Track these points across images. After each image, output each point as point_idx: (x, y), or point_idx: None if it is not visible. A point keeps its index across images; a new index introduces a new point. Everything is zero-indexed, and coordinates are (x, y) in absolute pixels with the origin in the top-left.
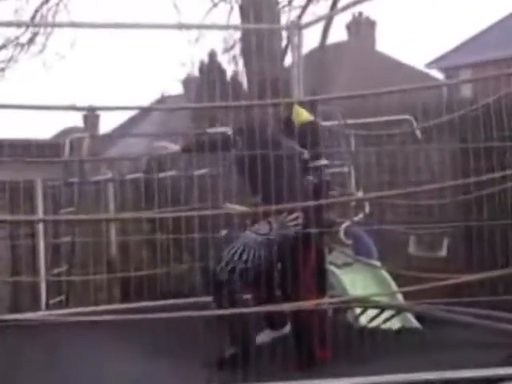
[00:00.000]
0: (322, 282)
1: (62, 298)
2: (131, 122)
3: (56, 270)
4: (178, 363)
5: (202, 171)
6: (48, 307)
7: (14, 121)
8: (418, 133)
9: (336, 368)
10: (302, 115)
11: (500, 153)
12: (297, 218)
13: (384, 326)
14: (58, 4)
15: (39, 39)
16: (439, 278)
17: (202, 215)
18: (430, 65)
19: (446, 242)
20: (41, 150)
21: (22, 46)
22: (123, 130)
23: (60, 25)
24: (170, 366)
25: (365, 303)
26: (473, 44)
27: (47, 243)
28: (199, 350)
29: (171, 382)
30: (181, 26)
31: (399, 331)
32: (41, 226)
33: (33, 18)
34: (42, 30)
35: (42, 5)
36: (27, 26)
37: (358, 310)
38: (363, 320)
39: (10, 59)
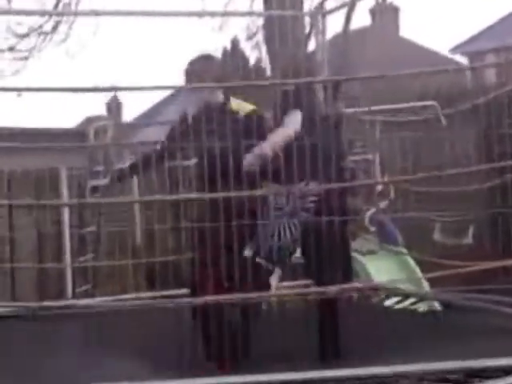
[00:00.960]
0: (346, 270)
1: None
2: (154, 110)
3: (82, 258)
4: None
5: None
6: (74, 295)
7: (38, 109)
8: (443, 119)
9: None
10: (245, 106)
11: None
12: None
13: (409, 307)
14: None
15: (62, 28)
16: (464, 265)
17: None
18: (454, 50)
19: (471, 229)
20: (65, 138)
21: (46, 34)
22: (146, 118)
23: (82, 13)
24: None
25: (390, 290)
26: (497, 28)
27: (73, 232)
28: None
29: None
30: (204, 14)
31: (424, 314)
32: (66, 214)
33: (56, 6)
34: (64, 18)
35: None
36: (50, 15)
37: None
38: (388, 302)
39: (34, 48)
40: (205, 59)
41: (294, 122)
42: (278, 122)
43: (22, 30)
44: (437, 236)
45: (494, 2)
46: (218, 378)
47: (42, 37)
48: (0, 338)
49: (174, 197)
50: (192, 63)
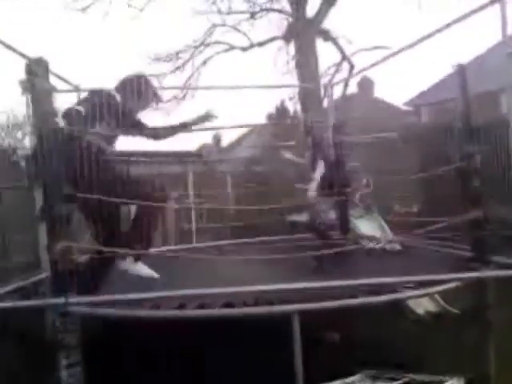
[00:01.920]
0: (346, 225)
1: None
2: (241, 138)
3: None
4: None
5: None
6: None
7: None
8: (400, 142)
9: None
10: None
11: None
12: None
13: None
14: None
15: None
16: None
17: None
18: (406, 103)
19: (415, 205)
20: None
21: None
22: (236, 144)
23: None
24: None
25: (371, 238)
26: (439, 85)
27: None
28: None
29: None
30: (264, 87)
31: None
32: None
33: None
34: None
35: None
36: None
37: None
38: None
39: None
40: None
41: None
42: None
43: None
44: (396, 208)
45: (441, 62)
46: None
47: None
48: None
49: None
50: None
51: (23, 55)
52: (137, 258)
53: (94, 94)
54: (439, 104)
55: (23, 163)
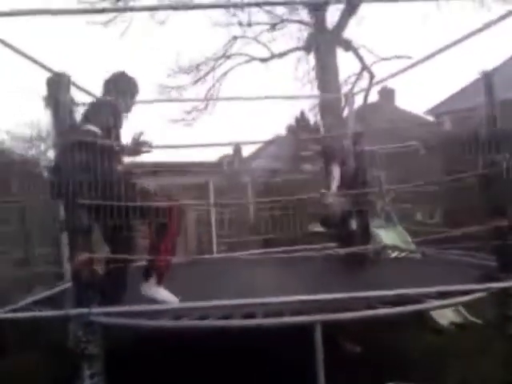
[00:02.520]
0: (367, 236)
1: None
2: (261, 148)
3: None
4: None
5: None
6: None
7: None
8: (422, 151)
9: None
10: None
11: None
12: None
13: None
14: None
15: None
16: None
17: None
18: (427, 112)
19: (438, 212)
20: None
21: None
22: (257, 154)
23: None
24: None
25: (394, 248)
26: (461, 94)
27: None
28: None
29: None
30: (284, 97)
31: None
32: (212, 208)
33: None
34: None
35: None
36: None
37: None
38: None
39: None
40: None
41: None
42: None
43: None
44: (418, 217)
45: (462, 71)
46: None
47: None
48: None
49: None
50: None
51: (47, 69)
52: (158, 281)
53: (103, 106)
54: (461, 112)
55: (46, 175)
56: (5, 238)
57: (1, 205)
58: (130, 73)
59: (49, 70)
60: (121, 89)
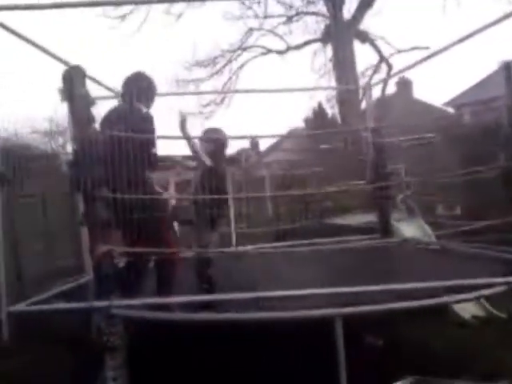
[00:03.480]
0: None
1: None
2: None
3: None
4: None
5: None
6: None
7: None
8: (440, 144)
9: None
10: None
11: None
12: None
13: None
14: None
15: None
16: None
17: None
18: (446, 103)
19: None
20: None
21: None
22: (272, 149)
23: None
24: None
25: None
26: (480, 85)
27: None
28: None
29: None
30: (301, 89)
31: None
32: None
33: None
34: None
35: None
36: None
37: None
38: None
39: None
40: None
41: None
42: None
43: None
44: (439, 210)
45: (482, 62)
46: None
47: None
48: None
49: None
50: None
51: (64, 62)
52: None
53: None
54: (481, 104)
55: (65, 168)
56: (25, 232)
57: (21, 198)
58: (147, 67)
59: (65, 63)
60: (141, 89)
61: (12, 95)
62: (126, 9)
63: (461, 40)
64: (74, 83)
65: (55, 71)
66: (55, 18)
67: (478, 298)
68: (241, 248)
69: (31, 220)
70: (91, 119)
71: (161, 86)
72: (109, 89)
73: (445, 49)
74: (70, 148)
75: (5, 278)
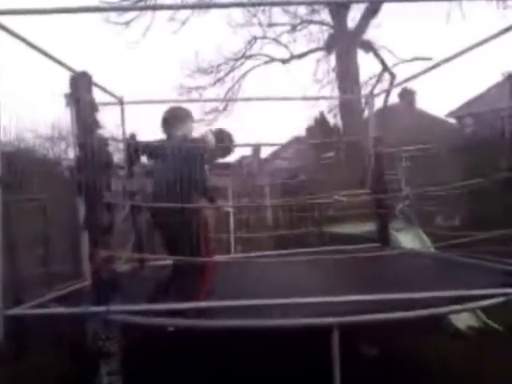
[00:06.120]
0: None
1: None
2: (279, 150)
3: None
4: None
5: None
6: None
7: None
8: (441, 155)
9: None
10: None
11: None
12: None
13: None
14: None
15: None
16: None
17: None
18: (448, 114)
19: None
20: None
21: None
22: (275, 156)
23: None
24: None
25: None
26: (484, 96)
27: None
28: None
29: None
30: (303, 98)
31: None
32: (230, 209)
33: None
34: None
35: None
36: None
37: None
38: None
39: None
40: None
41: None
42: None
43: None
44: (438, 220)
45: (482, 74)
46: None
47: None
48: None
49: None
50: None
51: (68, 68)
52: None
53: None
54: (484, 115)
55: (67, 173)
56: (25, 236)
57: (23, 203)
58: (151, 74)
59: (70, 69)
60: (182, 122)
61: (16, 100)
62: (130, 15)
63: (464, 51)
64: (80, 89)
65: (59, 77)
66: (60, 23)
67: (474, 310)
68: (239, 255)
69: (30, 224)
70: (96, 125)
71: (164, 92)
72: (113, 95)
73: (448, 59)
74: (72, 153)
75: (1, 281)
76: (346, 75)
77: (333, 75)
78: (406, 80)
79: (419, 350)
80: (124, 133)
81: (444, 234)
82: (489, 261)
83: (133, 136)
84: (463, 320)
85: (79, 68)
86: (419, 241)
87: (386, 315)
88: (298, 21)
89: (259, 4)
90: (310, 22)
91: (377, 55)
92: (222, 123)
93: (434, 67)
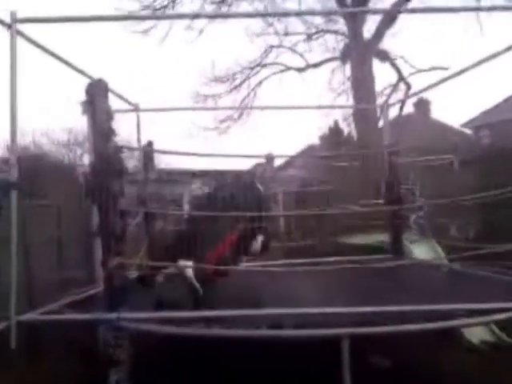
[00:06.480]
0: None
1: None
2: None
3: None
4: None
5: None
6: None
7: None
8: (456, 165)
9: None
10: None
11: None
12: None
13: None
14: None
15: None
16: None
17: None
18: (464, 124)
19: (472, 229)
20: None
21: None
22: (287, 164)
23: None
24: None
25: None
26: (492, 110)
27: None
28: None
29: None
30: (319, 107)
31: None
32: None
33: None
34: None
35: None
36: None
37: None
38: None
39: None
40: None
41: None
42: None
43: None
44: (452, 232)
45: (499, 85)
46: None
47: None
48: None
49: None
50: None
51: (85, 75)
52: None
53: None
54: (500, 125)
55: (82, 180)
56: (39, 242)
57: (37, 208)
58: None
59: (88, 76)
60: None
61: (32, 106)
62: (148, 24)
63: (481, 61)
64: (96, 96)
65: (76, 84)
66: (77, 30)
67: (487, 324)
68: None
69: (44, 230)
70: (111, 133)
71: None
72: (129, 102)
73: (464, 70)
74: (87, 160)
75: (15, 287)
76: (361, 84)
77: (348, 84)
78: (422, 90)
79: (431, 363)
80: (139, 139)
81: (459, 245)
82: (503, 274)
83: (150, 143)
84: (477, 334)
85: (95, 75)
86: (433, 253)
87: (397, 327)
88: (314, 30)
89: (274, 14)
90: (326, 31)
91: (392, 64)
92: (236, 131)
93: (450, 77)
